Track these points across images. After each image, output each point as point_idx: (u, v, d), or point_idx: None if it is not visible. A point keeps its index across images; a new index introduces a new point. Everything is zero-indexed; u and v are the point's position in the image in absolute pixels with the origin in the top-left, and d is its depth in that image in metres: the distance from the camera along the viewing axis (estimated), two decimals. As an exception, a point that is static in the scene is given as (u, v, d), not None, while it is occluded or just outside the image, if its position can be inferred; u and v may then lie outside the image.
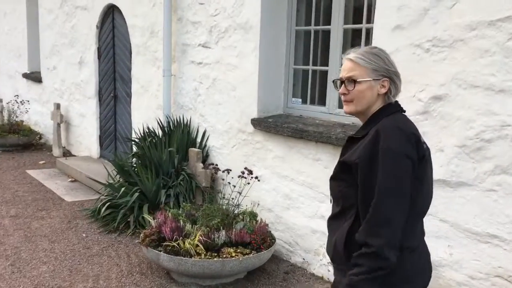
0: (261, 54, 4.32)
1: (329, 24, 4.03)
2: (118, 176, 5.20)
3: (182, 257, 3.49)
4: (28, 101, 8.96)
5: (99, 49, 7.07)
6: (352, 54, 1.75)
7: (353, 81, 1.72)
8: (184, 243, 3.55)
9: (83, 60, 7.43)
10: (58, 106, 8.01)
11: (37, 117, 9.23)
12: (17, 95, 9.05)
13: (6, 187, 6.13)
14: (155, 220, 3.86)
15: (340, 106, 4.05)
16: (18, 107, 8.85)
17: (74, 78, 7.75)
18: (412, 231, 1.68)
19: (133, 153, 5.19)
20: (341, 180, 1.73)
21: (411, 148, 1.60)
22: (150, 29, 5.79)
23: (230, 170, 4.36)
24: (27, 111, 8.91)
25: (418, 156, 1.62)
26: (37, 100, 9.19)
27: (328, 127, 3.84)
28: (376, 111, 1.73)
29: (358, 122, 3.92)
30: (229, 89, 4.68)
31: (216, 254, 3.56)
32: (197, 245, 3.55)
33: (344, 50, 4.00)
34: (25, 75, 9.62)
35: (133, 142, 5.40)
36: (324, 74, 4.18)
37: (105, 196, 5.12)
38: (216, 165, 4.42)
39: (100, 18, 6.91)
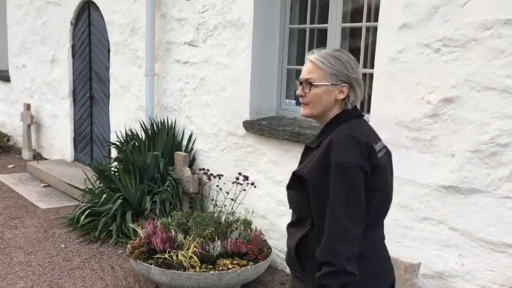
0: (254, 53, 4.09)
1: (326, 23, 3.85)
2: (98, 181, 4.88)
3: (175, 271, 3.23)
4: (-5, 101, 8.45)
5: (73, 46, 6.68)
6: (314, 55, 1.70)
7: (310, 83, 1.68)
8: (177, 255, 3.29)
9: (56, 59, 7.02)
10: (28, 106, 7.56)
11: (4, 118, 8.72)
12: (-16, 95, 8.53)
13: (-27, 194, 5.70)
14: (143, 230, 3.58)
15: (338, 108, 3.88)
16: (-16, 108, 8.33)
17: (46, 77, 7.33)
18: (369, 239, 1.65)
19: (115, 157, 4.87)
20: (296, 190, 1.69)
21: (364, 160, 1.57)
22: (130, 26, 5.47)
23: (222, 175, 4.12)
24: (-6, 112, 8.40)
25: (372, 167, 1.58)
26: (5, 100, 8.68)
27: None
28: (333, 118, 1.69)
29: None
30: (218, 90, 4.44)
31: (211, 267, 3.32)
32: (191, 257, 3.29)
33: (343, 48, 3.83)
34: (-9, 74, 9.08)
35: (114, 146, 5.07)
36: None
37: (84, 203, 4.79)
38: (208, 170, 4.17)
39: (75, 14, 6.53)
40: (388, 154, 1.74)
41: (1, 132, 8.33)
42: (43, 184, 6.21)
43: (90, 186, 5.02)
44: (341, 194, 1.53)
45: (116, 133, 5.72)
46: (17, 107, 8.30)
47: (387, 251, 1.81)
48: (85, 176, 5.74)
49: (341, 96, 1.67)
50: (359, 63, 3.64)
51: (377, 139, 1.70)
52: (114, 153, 5.77)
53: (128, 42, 5.55)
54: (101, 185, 4.82)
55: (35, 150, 7.74)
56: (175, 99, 4.96)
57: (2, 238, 4.41)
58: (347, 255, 1.51)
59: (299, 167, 1.70)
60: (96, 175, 4.85)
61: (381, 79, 3.21)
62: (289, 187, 1.73)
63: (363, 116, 1.76)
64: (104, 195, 4.49)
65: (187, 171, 4.55)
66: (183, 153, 4.60)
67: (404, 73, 3.08)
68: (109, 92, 6.00)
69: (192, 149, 4.79)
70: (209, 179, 4.07)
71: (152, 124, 5.01)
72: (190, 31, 4.69)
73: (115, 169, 4.81)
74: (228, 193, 3.87)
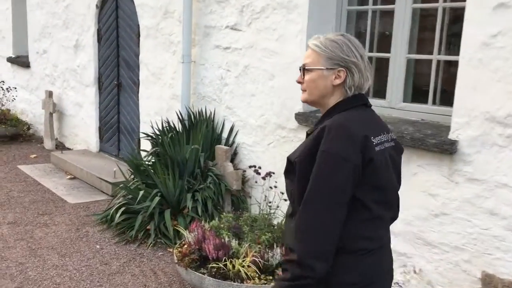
0: (308, 38, 3.68)
1: (393, 3, 3.42)
2: (132, 176, 4.52)
3: (232, 282, 2.88)
4: (15, 88, 8.10)
5: (99, 31, 6.29)
6: (312, 40, 1.61)
7: (306, 69, 1.60)
8: (233, 264, 2.94)
9: (80, 44, 6.64)
10: (50, 94, 7.21)
11: (24, 106, 8.39)
12: (3, 81, 8.17)
13: (-3, 187, 5.38)
14: (191, 234, 3.23)
15: (406, 100, 3.47)
16: (4, 95, 7.99)
17: (69, 63, 6.96)
18: (367, 235, 1.53)
19: (151, 150, 4.50)
20: (289, 178, 1.59)
21: (354, 151, 1.45)
22: (164, 9, 5.06)
23: (273, 173, 3.75)
24: (14, 99, 8.06)
25: (364, 159, 1.46)
26: (24, 87, 8.34)
27: (393, 124, 3.25)
28: (332, 106, 1.59)
29: (428, 118, 3.38)
30: (265, 78, 4.04)
31: (271, 278, 2.96)
32: (249, 266, 2.94)
33: (412, 34, 3.41)
34: (10, 60, 8.73)
35: (148, 138, 4.71)
36: (384, 62, 3.58)
37: (117, 198, 4.44)
38: (259, 167, 3.79)
39: (101, -4, 6.14)
40: (395, 148, 1.62)
41: (21, 120, 8.01)
42: (69, 176, 5.88)
43: (120, 179, 4.69)
44: (321, 184, 1.44)
45: (147, 123, 5.35)
46: (37, 94, 7.96)
47: (389, 255, 1.67)
48: (115, 169, 5.42)
49: (337, 81, 1.56)
50: (434, 48, 3.23)
51: (380, 131, 1.57)
52: (144, 144, 5.42)
53: (160, 26, 5.15)
54: (135, 179, 4.47)
55: (57, 139, 7.41)
56: (214, 88, 4.56)
57: (33, 237, 4.09)
58: (310, 247, 1.43)
59: (291, 153, 1.60)
60: (130, 169, 4.50)
61: (468, 67, 2.80)
62: (284, 174, 1.62)
63: (369, 105, 1.61)
64: (141, 192, 4.13)
65: (230, 167, 4.18)
66: (225, 147, 4.23)
67: (498, 61, 2.66)
68: (138, 79, 5.62)
69: (233, 142, 4.40)
70: (264, 178, 3.68)
71: (189, 115, 4.63)
72: (233, 13, 4.28)
73: (151, 163, 4.45)
74: (283, 193, 3.50)
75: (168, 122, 4.68)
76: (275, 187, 3.69)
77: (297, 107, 3.78)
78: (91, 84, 6.51)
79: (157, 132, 4.69)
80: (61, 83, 7.22)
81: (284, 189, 1.68)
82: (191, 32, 4.67)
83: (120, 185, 4.42)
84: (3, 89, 7.96)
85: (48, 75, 7.55)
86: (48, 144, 7.27)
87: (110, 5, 6.03)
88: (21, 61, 8.40)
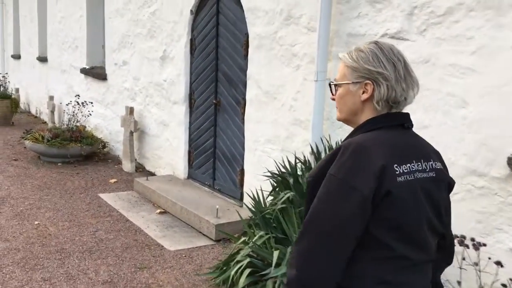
0: (533, 51, 2.55)
1: None
2: (253, 224, 3.51)
3: None
4: (92, 102, 7.34)
5: (192, 40, 5.37)
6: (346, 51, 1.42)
7: (335, 84, 1.43)
8: None
9: (168, 55, 5.76)
10: (131, 110, 6.37)
11: (98, 121, 7.63)
12: (78, 95, 7.44)
13: (81, 223, 4.51)
14: None
15: None
16: (79, 109, 7.24)
17: (153, 77, 6.09)
18: (381, 277, 1.27)
19: (283, 195, 3.45)
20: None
21: (365, 179, 1.22)
22: (285, 14, 4.05)
23: (464, 238, 2.63)
24: (90, 114, 7.30)
25: (379, 191, 1.22)
26: (99, 101, 7.58)
27: None
28: (360, 124, 1.37)
29: None
30: (451, 106, 2.92)
31: None
32: None
33: None
34: (84, 71, 8.02)
35: (275, 178, 3.67)
36: None
37: (237, 253, 3.43)
38: (463, 236, 2.67)
39: (197, 1, 5.21)
40: (435, 180, 1.32)
41: (96, 137, 7.24)
42: (158, 211, 4.96)
43: (225, 219, 3.70)
44: (321, 211, 1.26)
45: (254, 152, 4.35)
46: (114, 110, 7.17)
47: None
48: (217, 206, 4.45)
49: (365, 96, 1.34)
50: None
51: (413, 158, 1.30)
52: (250, 177, 4.43)
53: (279, 35, 4.14)
54: (256, 229, 3.45)
55: (136, 160, 6.57)
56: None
57: (137, 307, 3.15)
58: (301, 273, 1.25)
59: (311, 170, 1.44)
60: (252, 215, 3.49)
61: None
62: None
63: (406, 126, 1.34)
64: (276, 254, 3.09)
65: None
66: (383, 194, 3.13)
67: None
68: (244, 98, 4.63)
69: (390, 186, 3.31)
70: (476, 247, 2.55)
71: (324, 148, 3.58)
72: (396, 18, 3.20)
73: (280, 210, 3.41)
74: (477, 264, 2.36)
75: (304, 158, 3.61)
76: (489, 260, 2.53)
77: (510, 148, 2.64)
78: (180, 102, 5.60)
79: (282, 169, 3.66)
80: (143, 98, 6.37)
81: None
82: (328, 42, 3.62)
83: (242, 239, 3.40)
84: (78, 104, 7.21)
85: (128, 89, 6.73)
86: (127, 166, 6.43)
87: (208, 10, 5.09)
88: (96, 72, 7.67)
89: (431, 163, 1.33)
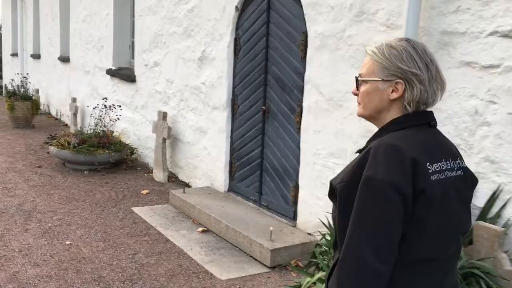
0: None
1: None
2: (321, 253, 2.97)
3: None
4: (120, 106, 6.84)
5: (236, 40, 4.84)
6: (371, 46, 1.35)
7: (360, 79, 1.36)
8: None
9: (207, 56, 5.23)
10: (164, 115, 5.86)
11: (126, 125, 7.13)
12: (105, 98, 6.95)
13: (117, 244, 4.00)
14: None
15: None
16: (106, 113, 6.75)
17: (189, 79, 5.58)
18: (407, 283, 1.23)
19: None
20: (333, 202, 1.34)
21: (403, 179, 1.18)
22: (356, 9, 3.50)
23: None
24: (118, 118, 6.79)
25: (415, 190, 1.19)
26: (127, 104, 7.08)
27: None
28: (386, 124, 1.32)
29: None
30: None
31: None
32: None
33: None
34: (110, 72, 7.54)
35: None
36: None
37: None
38: None
39: (243, -4, 4.69)
40: (463, 179, 1.30)
41: (123, 142, 6.74)
42: (200, 229, 4.43)
43: (280, 243, 3.16)
44: (365, 217, 1.19)
45: (312, 166, 3.80)
46: (143, 114, 6.67)
47: None
48: (271, 228, 3.91)
49: (395, 95, 1.29)
50: None
51: (443, 156, 1.28)
52: (306, 194, 3.88)
53: (347, 34, 3.59)
54: (322, 254, 2.90)
55: (168, 168, 6.06)
56: (461, 128, 2.92)
57: None
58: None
59: (336, 175, 1.36)
60: (323, 240, 2.95)
61: None
62: (329, 197, 1.36)
63: (432, 124, 1.31)
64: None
65: (506, 260, 2.52)
66: (494, 227, 2.57)
67: None
68: (300, 105, 4.08)
69: (499, 217, 2.73)
70: None
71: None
72: (511, 12, 2.63)
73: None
74: None
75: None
76: None
77: None
78: (221, 107, 5.07)
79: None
80: (177, 102, 5.86)
81: None
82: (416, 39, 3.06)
83: (318, 276, 2.85)
84: (106, 107, 6.72)
85: (160, 92, 6.22)
86: (159, 175, 5.92)
87: (257, 6, 4.55)
88: (124, 74, 7.18)
89: (458, 161, 1.31)
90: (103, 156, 6.17)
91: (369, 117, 1.37)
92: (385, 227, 1.17)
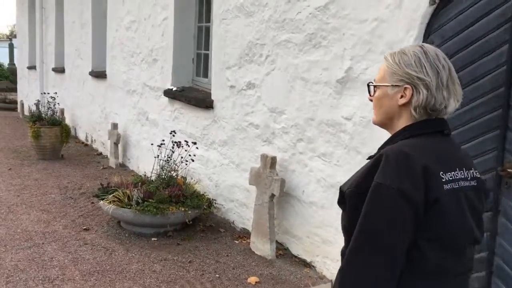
0: None
1: None
2: None
3: None
4: (195, 143, 4.88)
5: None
6: (389, 52, 1.35)
7: (373, 85, 1.36)
8: None
9: (355, 77, 3.34)
10: (272, 162, 3.94)
11: (195, 166, 5.18)
12: (174, 132, 5.00)
13: None
14: None
15: None
16: (177, 152, 4.79)
17: (318, 110, 3.68)
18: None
19: None
20: (342, 209, 1.31)
21: (414, 186, 1.15)
22: None
23: None
24: (192, 159, 4.82)
25: (428, 198, 1.15)
26: (197, 138, 5.17)
27: None
28: (398, 131, 1.30)
29: None
30: None
31: None
32: None
33: None
34: (169, 94, 5.66)
35: None
36: None
37: None
38: None
39: (448, -19, 2.79)
40: (476, 190, 1.27)
41: (199, 192, 4.80)
42: None
43: None
44: (372, 225, 1.16)
45: None
46: (224, 153, 4.77)
47: None
48: None
49: (403, 100, 1.27)
50: None
51: (456, 165, 1.24)
52: None
53: None
54: None
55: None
56: None
57: None
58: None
59: (346, 181, 1.34)
60: None
61: None
62: (338, 205, 1.34)
63: (446, 133, 1.28)
64: None
65: None
66: None
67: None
68: None
69: None
70: None
71: None
72: None
73: None
74: None
75: None
76: None
77: None
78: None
79: None
80: (291, 143, 3.95)
81: None
82: None
83: None
84: (176, 145, 4.76)
85: (257, 126, 4.33)
86: (263, 248, 3.99)
87: (483, -3, 2.66)
88: (192, 97, 5.29)
89: (472, 171, 1.27)
90: (176, 216, 4.26)
91: (381, 124, 1.35)
92: (391, 233, 1.14)
